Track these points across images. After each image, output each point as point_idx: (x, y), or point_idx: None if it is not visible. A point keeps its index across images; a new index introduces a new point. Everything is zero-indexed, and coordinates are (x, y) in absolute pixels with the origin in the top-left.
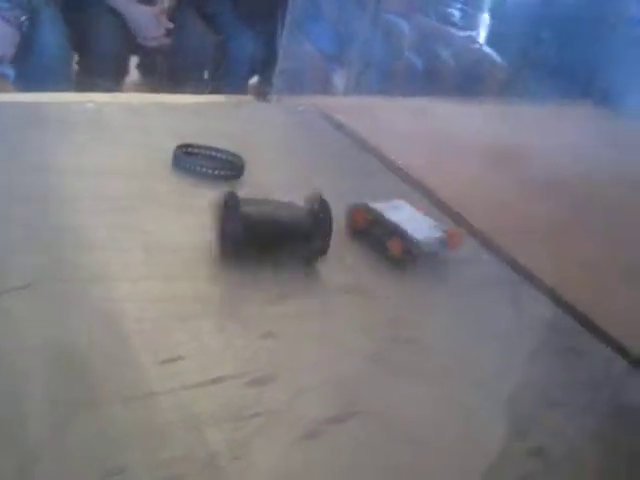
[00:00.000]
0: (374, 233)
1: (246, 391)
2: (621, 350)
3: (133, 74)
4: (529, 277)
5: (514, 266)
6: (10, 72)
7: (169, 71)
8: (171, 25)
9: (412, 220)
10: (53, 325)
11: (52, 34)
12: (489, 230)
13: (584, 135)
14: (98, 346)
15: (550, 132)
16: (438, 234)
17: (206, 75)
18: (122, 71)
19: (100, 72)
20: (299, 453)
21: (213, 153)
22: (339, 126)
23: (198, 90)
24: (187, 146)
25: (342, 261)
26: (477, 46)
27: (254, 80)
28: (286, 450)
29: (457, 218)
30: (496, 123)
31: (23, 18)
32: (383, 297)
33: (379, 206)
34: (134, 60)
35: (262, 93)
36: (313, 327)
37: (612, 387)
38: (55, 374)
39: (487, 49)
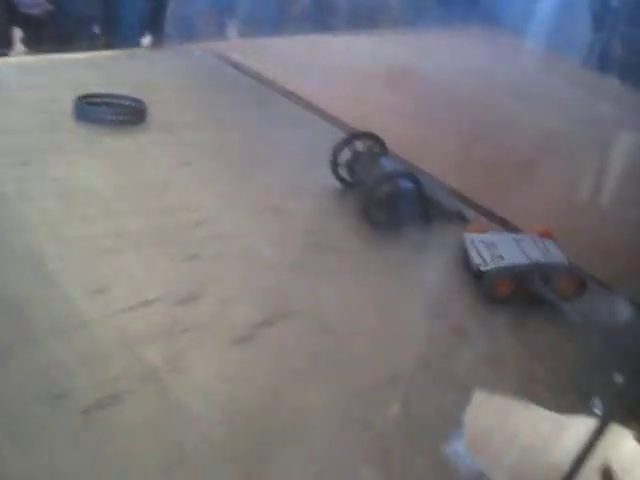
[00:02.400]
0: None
1: (175, 309)
2: None
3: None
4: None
5: (416, 171)
6: None
7: (56, 34)
8: None
9: (529, 249)
10: None
11: None
12: (392, 143)
13: (473, 54)
14: (26, 288)
15: (441, 53)
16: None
17: (97, 30)
18: (5, 44)
19: None
20: (233, 357)
21: (114, 100)
22: (236, 65)
23: (90, 47)
24: (87, 96)
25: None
26: None
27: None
28: (221, 356)
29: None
30: (387, 50)
31: None
32: (298, 212)
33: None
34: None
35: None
36: (233, 246)
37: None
38: None
39: None
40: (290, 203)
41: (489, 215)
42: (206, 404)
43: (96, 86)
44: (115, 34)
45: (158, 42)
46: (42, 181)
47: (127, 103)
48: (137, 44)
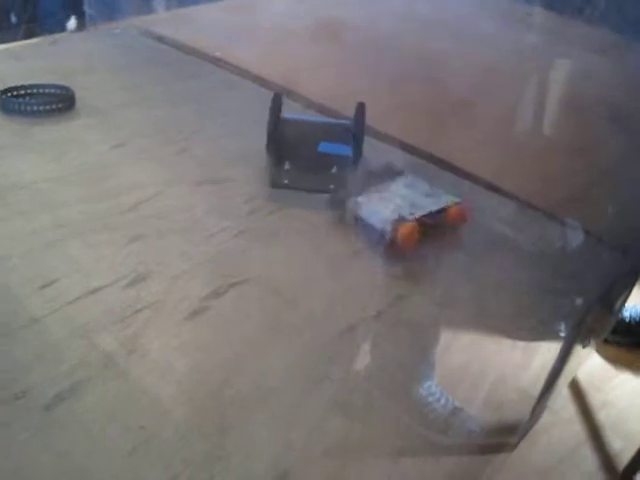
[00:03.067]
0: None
1: (125, 293)
2: (468, 175)
3: None
4: (374, 134)
5: (358, 127)
6: None
7: None
8: None
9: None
10: None
11: None
12: (323, 96)
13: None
14: None
15: (365, 2)
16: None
17: (13, 19)
18: None
19: None
20: (189, 331)
21: (39, 90)
22: (160, 38)
23: (9, 37)
24: (12, 89)
25: (195, 157)
26: None
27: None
28: (176, 332)
29: (292, 96)
30: (311, 5)
31: None
32: (236, 179)
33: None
34: None
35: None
36: (176, 222)
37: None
38: None
39: None
40: (227, 172)
41: (428, 157)
42: (166, 382)
43: (19, 77)
44: (36, 22)
45: (81, 24)
46: None
47: (53, 91)
48: (62, 29)
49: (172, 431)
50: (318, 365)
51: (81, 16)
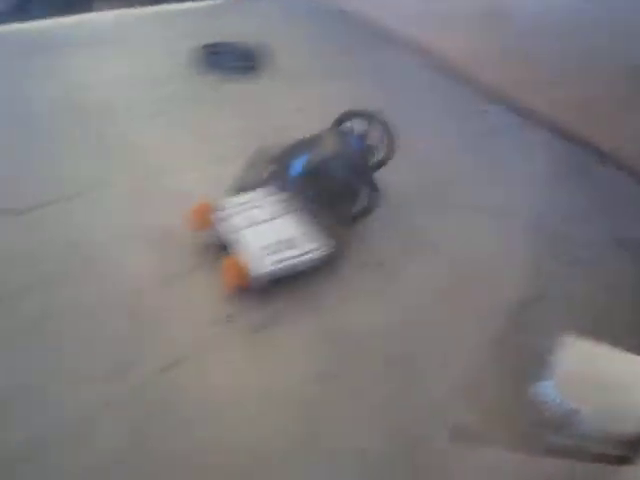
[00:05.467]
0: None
1: None
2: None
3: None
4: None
5: (521, 112)
6: None
7: None
8: None
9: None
10: (139, 213)
11: None
12: (495, 84)
13: None
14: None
15: None
16: None
17: None
18: None
19: None
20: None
21: (238, 48)
22: (346, 12)
23: None
24: (212, 45)
25: None
26: None
27: None
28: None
29: (467, 77)
30: None
31: None
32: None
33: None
34: None
35: None
36: None
37: None
38: (150, 253)
39: None
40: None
41: (587, 146)
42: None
43: (213, 34)
44: None
45: None
46: (179, 128)
47: (249, 49)
48: None
49: (360, 368)
50: (496, 331)
51: None
